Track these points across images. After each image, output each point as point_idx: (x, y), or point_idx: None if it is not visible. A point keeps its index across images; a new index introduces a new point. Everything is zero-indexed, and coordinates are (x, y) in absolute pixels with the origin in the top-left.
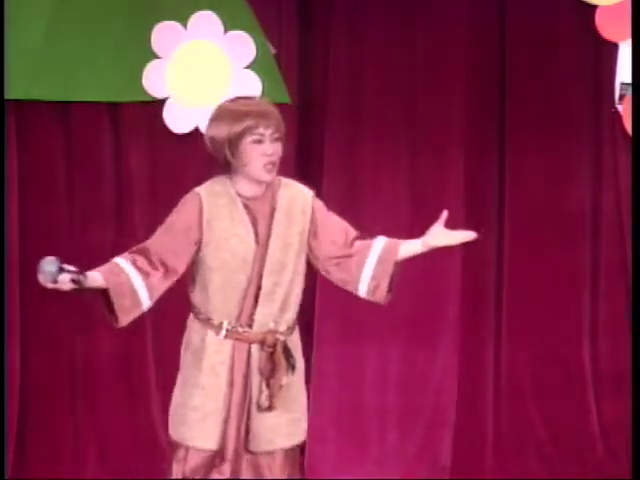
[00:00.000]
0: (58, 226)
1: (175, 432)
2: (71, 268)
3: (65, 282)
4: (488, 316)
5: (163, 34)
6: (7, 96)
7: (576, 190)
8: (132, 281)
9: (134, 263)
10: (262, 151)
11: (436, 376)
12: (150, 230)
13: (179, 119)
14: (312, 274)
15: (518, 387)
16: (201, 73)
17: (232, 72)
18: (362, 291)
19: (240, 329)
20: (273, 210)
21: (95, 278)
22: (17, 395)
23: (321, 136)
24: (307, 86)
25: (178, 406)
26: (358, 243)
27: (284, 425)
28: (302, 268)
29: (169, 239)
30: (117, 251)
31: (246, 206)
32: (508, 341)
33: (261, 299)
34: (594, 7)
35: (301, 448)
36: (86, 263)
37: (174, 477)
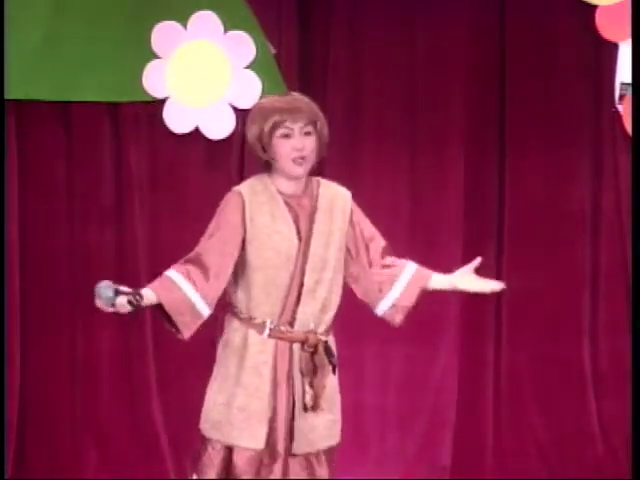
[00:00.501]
0: (58, 226)
1: (216, 431)
2: (126, 289)
3: (124, 305)
4: (488, 316)
5: (163, 34)
6: (7, 96)
7: (576, 190)
8: (189, 296)
9: (188, 276)
10: (291, 145)
11: (436, 376)
12: (150, 230)
13: (179, 119)
14: None
15: (518, 387)
16: (201, 73)
17: (232, 72)
18: (380, 309)
19: (282, 328)
20: (315, 207)
21: (150, 297)
22: (17, 395)
23: None
24: (307, 86)
25: (218, 405)
26: (389, 259)
27: (322, 427)
28: (341, 267)
29: (217, 242)
30: (117, 251)
31: (287, 203)
32: (508, 341)
33: (303, 297)
34: (594, 7)
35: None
36: (86, 263)
37: (203, 477)
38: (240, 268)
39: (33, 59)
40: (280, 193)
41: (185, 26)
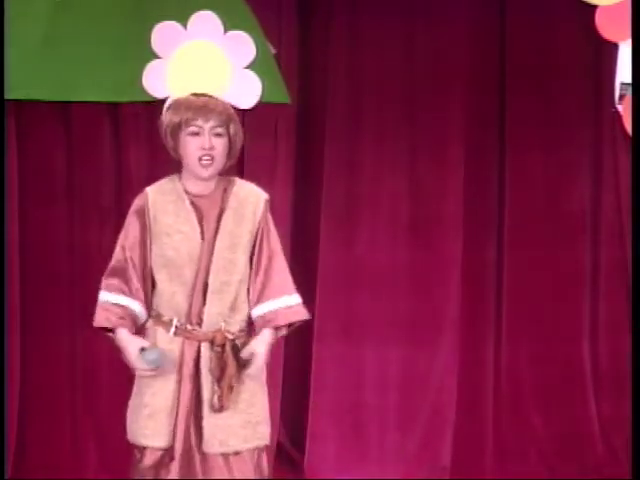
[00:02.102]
0: (58, 226)
1: (129, 432)
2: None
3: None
4: (488, 316)
5: (163, 34)
6: (7, 96)
7: (576, 190)
8: (132, 309)
9: (122, 291)
10: (199, 144)
11: (436, 376)
12: None
13: None
14: (312, 274)
15: (518, 387)
16: (201, 73)
17: (232, 72)
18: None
19: (189, 327)
20: (223, 208)
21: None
22: (17, 395)
23: (321, 136)
24: (307, 86)
25: (131, 408)
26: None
27: (238, 427)
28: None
29: (128, 251)
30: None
31: (193, 203)
32: (508, 341)
33: (209, 297)
34: (594, 7)
35: (300, 449)
36: (86, 263)
37: (132, 478)
38: (150, 266)
39: (33, 59)
40: (187, 193)
41: (185, 26)
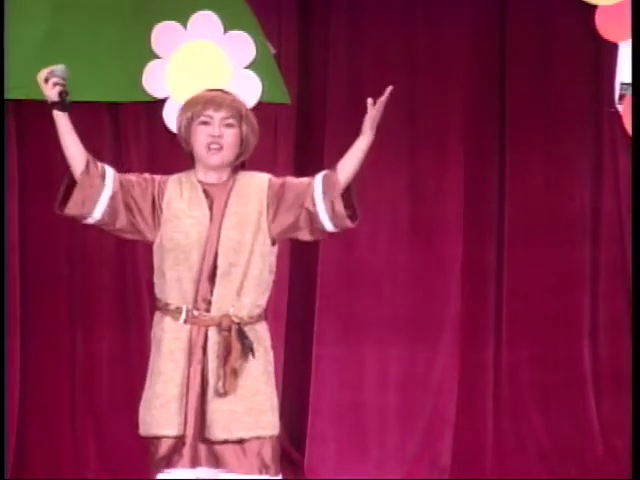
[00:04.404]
0: (58, 226)
1: (142, 426)
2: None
3: (54, 91)
4: (488, 316)
5: (163, 34)
6: (7, 96)
7: (576, 190)
8: (102, 192)
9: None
10: (208, 132)
11: (436, 376)
12: None
13: None
14: (312, 274)
15: (518, 387)
16: (201, 73)
17: (232, 72)
18: (328, 226)
19: (196, 313)
20: (229, 192)
21: (76, 142)
22: (17, 395)
23: (321, 135)
24: (307, 86)
25: (144, 401)
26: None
27: (242, 414)
28: (261, 249)
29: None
30: (117, 251)
31: (205, 191)
32: (508, 341)
33: (217, 279)
34: (594, 7)
35: (300, 449)
36: (86, 263)
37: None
38: (157, 254)
39: (33, 59)
40: (200, 182)
41: (185, 26)
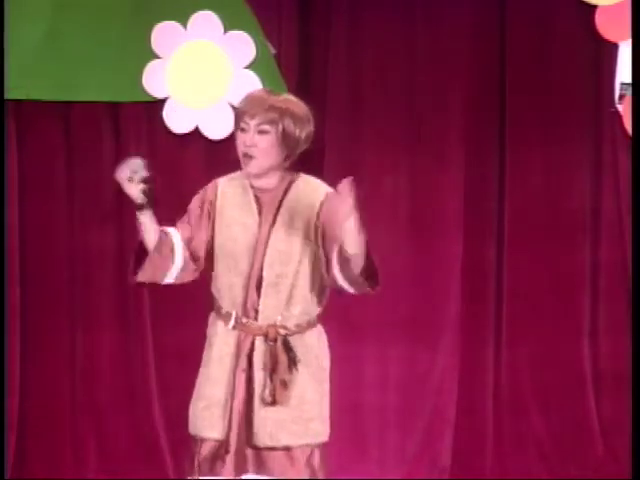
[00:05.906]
0: (58, 226)
1: (190, 424)
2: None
3: (137, 190)
4: (488, 316)
5: (163, 34)
6: (7, 96)
7: (576, 189)
8: (171, 238)
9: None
10: (243, 140)
11: (436, 376)
12: None
13: (179, 119)
14: None
15: (518, 387)
16: (201, 73)
17: (232, 72)
18: (350, 290)
19: (245, 320)
20: (282, 201)
21: (157, 231)
22: (17, 395)
23: (321, 136)
24: (307, 86)
25: (192, 400)
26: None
27: (289, 422)
28: (312, 259)
29: (189, 225)
30: (117, 251)
31: (257, 197)
32: (508, 341)
33: (264, 290)
34: (594, 7)
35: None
36: (86, 263)
37: (194, 476)
38: (212, 258)
39: (33, 59)
40: (252, 187)
41: (185, 26)
